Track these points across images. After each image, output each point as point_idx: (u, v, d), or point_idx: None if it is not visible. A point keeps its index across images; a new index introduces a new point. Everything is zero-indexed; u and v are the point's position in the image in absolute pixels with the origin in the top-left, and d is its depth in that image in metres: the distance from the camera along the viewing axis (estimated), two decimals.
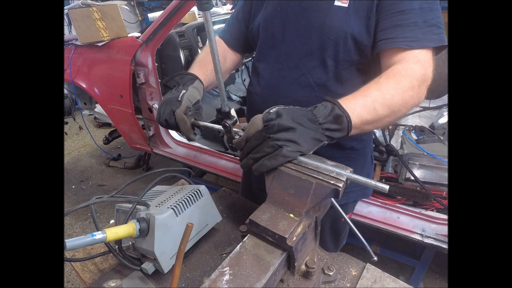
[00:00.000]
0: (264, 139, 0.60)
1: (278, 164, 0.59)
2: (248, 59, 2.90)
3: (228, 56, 1.08)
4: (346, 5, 0.79)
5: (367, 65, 0.84)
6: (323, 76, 0.86)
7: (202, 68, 0.98)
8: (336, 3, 0.79)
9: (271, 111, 0.63)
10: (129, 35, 2.24)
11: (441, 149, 1.69)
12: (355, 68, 0.85)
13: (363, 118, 0.65)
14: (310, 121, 0.61)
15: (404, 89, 0.68)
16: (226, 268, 0.52)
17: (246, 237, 0.58)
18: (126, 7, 5.13)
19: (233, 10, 1.14)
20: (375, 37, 0.77)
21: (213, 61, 0.66)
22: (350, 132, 0.64)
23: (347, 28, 0.79)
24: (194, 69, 0.97)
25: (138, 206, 0.76)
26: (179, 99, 0.82)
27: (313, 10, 0.83)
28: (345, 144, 0.94)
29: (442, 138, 1.79)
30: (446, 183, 1.59)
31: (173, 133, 2.38)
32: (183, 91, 0.83)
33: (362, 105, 0.65)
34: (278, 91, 0.91)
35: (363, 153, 1.01)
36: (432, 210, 1.57)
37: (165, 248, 0.72)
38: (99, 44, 2.14)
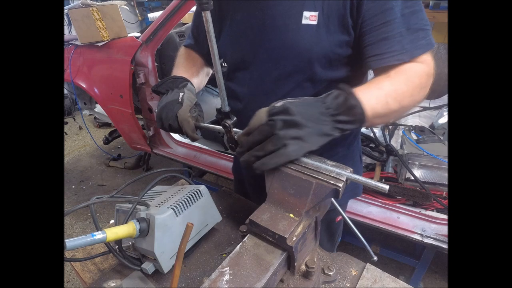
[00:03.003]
0: (268, 135, 0.57)
1: (281, 163, 0.57)
2: None
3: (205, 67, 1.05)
4: (315, 23, 0.71)
5: (348, 77, 0.79)
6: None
7: (187, 72, 0.95)
8: (304, 21, 0.72)
9: (276, 105, 0.59)
10: (129, 35, 2.25)
11: (441, 149, 1.69)
12: (335, 83, 0.79)
13: (376, 111, 0.62)
14: (321, 114, 0.58)
15: (414, 86, 0.66)
16: (226, 268, 0.52)
17: (246, 237, 0.59)
18: (126, 7, 5.13)
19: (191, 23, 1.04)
20: (363, 52, 0.71)
21: (213, 61, 0.66)
22: (363, 125, 0.61)
23: (319, 49, 0.73)
24: (180, 74, 0.93)
25: (138, 206, 0.76)
26: (180, 100, 0.80)
27: (280, 31, 0.75)
28: (332, 151, 0.90)
29: (442, 138, 1.79)
30: (446, 183, 1.59)
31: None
32: (181, 93, 0.81)
33: (375, 97, 0.63)
34: None
35: (352, 156, 0.98)
36: (432, 210, 1.57)
37: (165, 248, 0.72)
38: (99, 44, 2.14)
